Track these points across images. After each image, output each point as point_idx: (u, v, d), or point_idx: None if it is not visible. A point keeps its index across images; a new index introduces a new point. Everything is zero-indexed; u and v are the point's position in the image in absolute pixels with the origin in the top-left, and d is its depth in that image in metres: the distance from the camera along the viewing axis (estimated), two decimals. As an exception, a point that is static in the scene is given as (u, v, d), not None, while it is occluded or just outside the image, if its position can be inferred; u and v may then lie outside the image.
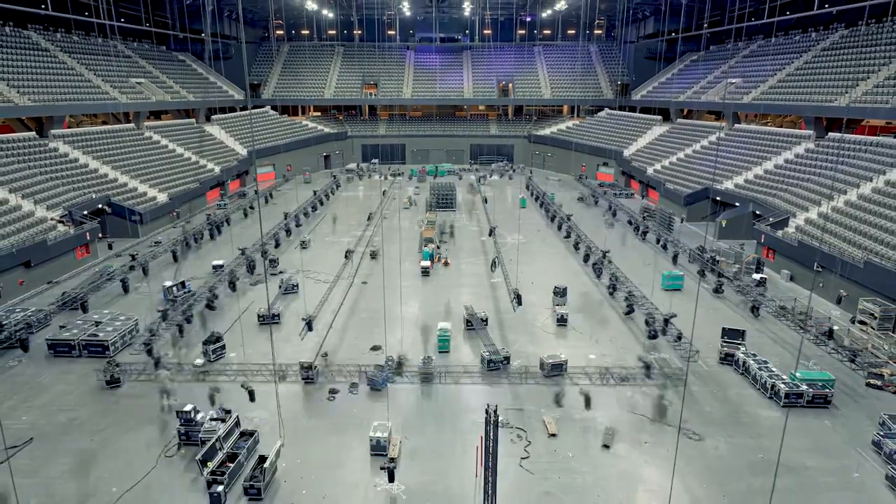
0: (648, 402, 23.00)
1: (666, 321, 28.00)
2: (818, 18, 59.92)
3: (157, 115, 68.73)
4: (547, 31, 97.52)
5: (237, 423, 20.62)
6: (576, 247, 42.91)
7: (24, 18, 57.42)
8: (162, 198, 50.66)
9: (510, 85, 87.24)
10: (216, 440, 19.14)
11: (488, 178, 73.20)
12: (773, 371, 24.02)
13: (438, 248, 42.71)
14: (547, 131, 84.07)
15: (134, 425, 21.47)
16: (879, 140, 42.94)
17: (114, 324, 28.21)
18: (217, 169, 61.65)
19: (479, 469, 17.98)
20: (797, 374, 23.32)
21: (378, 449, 19.71)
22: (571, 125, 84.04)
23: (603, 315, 31.70)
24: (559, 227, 48.16)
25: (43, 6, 53.58)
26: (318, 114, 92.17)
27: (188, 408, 20.56)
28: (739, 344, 26.45)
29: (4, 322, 27.46)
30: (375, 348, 27.39)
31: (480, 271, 38.80)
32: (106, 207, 45.06)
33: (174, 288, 32.50)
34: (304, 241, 44.31)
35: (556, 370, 24.80)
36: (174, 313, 29.09)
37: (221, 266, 36.93)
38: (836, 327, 28.14)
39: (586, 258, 40.20)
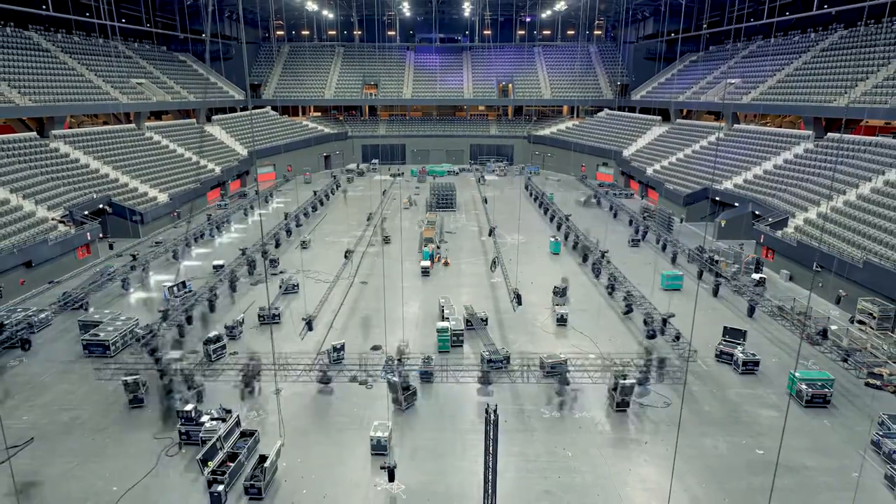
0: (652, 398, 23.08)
1: (664, 321, 28.07)
2: (817, 19, 60.06)
3: (157, 115, 68.83)
4: (547, 32, 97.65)
5: (237, 423, 20.68)
6: (574, 246, 43.01)
7: (25, 19, 57.53)
8: (162, 198, 50.74)
9: (510, 85, 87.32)
10: (217, 440, 19.21)
11: (488, 178, 73.19)
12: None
13: (438, 248, 42.81)
14: (546, 131, 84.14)
15: (134, 425, 21.51)
16: (878, 140, 43.02)
17: (114, 324, 28.25)
18: (217, 169, 61.75)
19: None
20: (797, 375, 23.39)
21: (378, 448, 19.76)
22: (571, 125, 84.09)
23: (602, 315, 31.75)
24: (559, 228, 48.25)
25: (44, 7, 53.68)
26: (319, 114, 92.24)
27: (188, 407, 20.62)
28: (740, 344, 26.52)
29: (6, 322, 27.51)
30: (375, 348, 27.44)
31: (480, 271, 38.89)
32: (107, 208, 45.14)
33: (175, 288, 32.59)
34: (304, 241, 44.39)
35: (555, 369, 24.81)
36: (175, 313, 29.14)
37: (222, 266, 37.04)
38: (834, 327, 28.19)
39: (585, 258, 40.31)
